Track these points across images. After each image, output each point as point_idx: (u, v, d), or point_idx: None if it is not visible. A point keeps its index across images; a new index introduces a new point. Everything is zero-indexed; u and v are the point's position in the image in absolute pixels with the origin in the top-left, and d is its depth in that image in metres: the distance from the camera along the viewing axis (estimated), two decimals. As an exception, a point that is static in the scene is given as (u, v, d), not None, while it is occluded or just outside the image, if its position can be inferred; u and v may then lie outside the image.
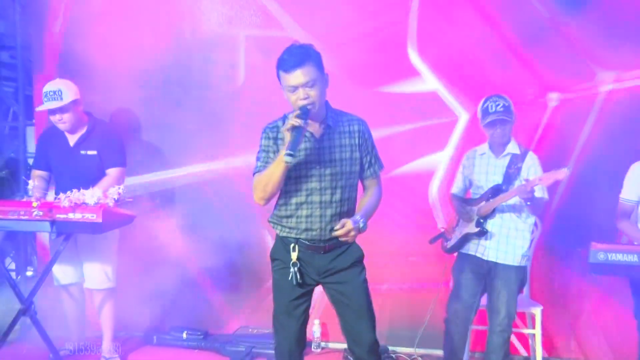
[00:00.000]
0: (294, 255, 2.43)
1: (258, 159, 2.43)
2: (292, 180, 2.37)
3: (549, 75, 3.61)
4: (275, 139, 2.40)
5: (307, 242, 2.44)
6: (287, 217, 2.45)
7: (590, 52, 3.52)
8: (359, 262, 2.52)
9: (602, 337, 3.62)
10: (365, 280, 2.51)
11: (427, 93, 3.72)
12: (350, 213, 2.46)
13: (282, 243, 2.51)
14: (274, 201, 2.49)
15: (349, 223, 2.35)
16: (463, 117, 3.71)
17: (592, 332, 3.63)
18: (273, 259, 2.56)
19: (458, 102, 3.71)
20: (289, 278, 2.42)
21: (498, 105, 3.08)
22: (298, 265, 2.42)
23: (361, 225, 2.37)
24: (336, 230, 2.37)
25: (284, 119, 2.38)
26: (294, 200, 2.41)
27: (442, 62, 3.70)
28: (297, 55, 2.27)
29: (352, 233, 2.36)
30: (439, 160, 3.75)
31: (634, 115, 3.47)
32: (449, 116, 3.72)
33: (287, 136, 2.24)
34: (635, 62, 3.49)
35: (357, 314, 2.49)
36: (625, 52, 3.48)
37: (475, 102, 3.38)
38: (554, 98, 3.65)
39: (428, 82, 3.71)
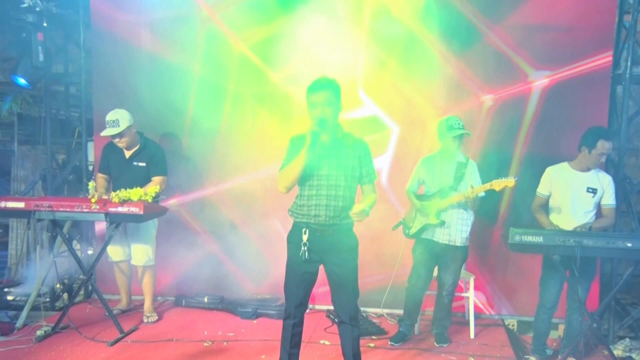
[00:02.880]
0: (304, 237, 2.51)
1: (284, 159, 2.53)
2: (309, 177, 2.49)
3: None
4: (300, 146, 2.47)
5: (315, 226, 2.51)
6: (302, 205, 2.53)
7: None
8: (354, 249, 2.61)
9: (514, 297, 3.80)
10: (357, 266, 2.61)
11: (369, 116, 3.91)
12: (347, 209, 2.52)
13: (296, 228, 2.58)
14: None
15: (360, 205, 2.45)
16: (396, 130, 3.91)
17: (508, 294, 3.80)
18: (289, 241, 2.61)
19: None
20: (300, 254, 2.51)
21: (459, 123, 3.19)
22: (307, 245, 2.51)
23: (367, 210, 2.47)
24: (353, 211, 2.44)
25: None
26: (307, 193, 2.51)
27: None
28: (321, 83, 2.46)
29: (362, 215, 2.44)
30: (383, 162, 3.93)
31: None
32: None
33: (308, 140, 2.39)
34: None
35: (347, 290, 2.58)
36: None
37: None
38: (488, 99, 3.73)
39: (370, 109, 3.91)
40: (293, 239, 2.60)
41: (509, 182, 2.96)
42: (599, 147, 2.98)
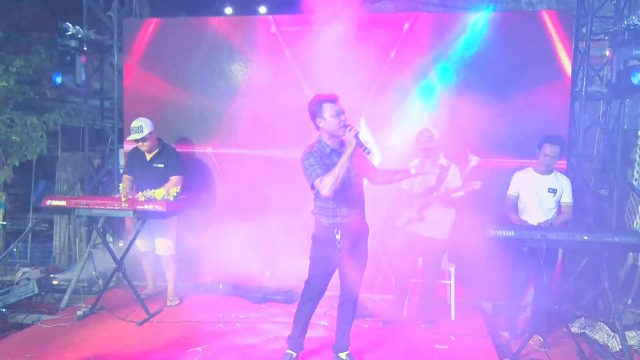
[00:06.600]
0: (338, 237, 2.42)
1: (314, 170, 2.35)
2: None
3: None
4: (318, 156, 2.40)
5: (347, 223, 2.44)
6: (334, 208, 2.42)
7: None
8: (367, 236, 2.58)
9: (490, 283, 3.65)
10: (367, 253, 2.60)
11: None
12: (363, 202, 2.51)
13: (325, 229, 2.45)
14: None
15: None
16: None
17: (483, 280, 3.66)
18: (317, 240, 2.49)
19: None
20: (335, 251, 2.42)
21: (425, 135, 3.13)
22: (341, 243, 2.43)
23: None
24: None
25: (318, 143, 2.43)
26: (338, 196, 2.37)
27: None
28: (335, 94, 2.40)
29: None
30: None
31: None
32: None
33: (353, 142, 2.27)
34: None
35: (360, 274, 2.57)
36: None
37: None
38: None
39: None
40: (322, 238, 2.49)
41: (475, 185, 2.97)
42: (542, 149, 3.03)
